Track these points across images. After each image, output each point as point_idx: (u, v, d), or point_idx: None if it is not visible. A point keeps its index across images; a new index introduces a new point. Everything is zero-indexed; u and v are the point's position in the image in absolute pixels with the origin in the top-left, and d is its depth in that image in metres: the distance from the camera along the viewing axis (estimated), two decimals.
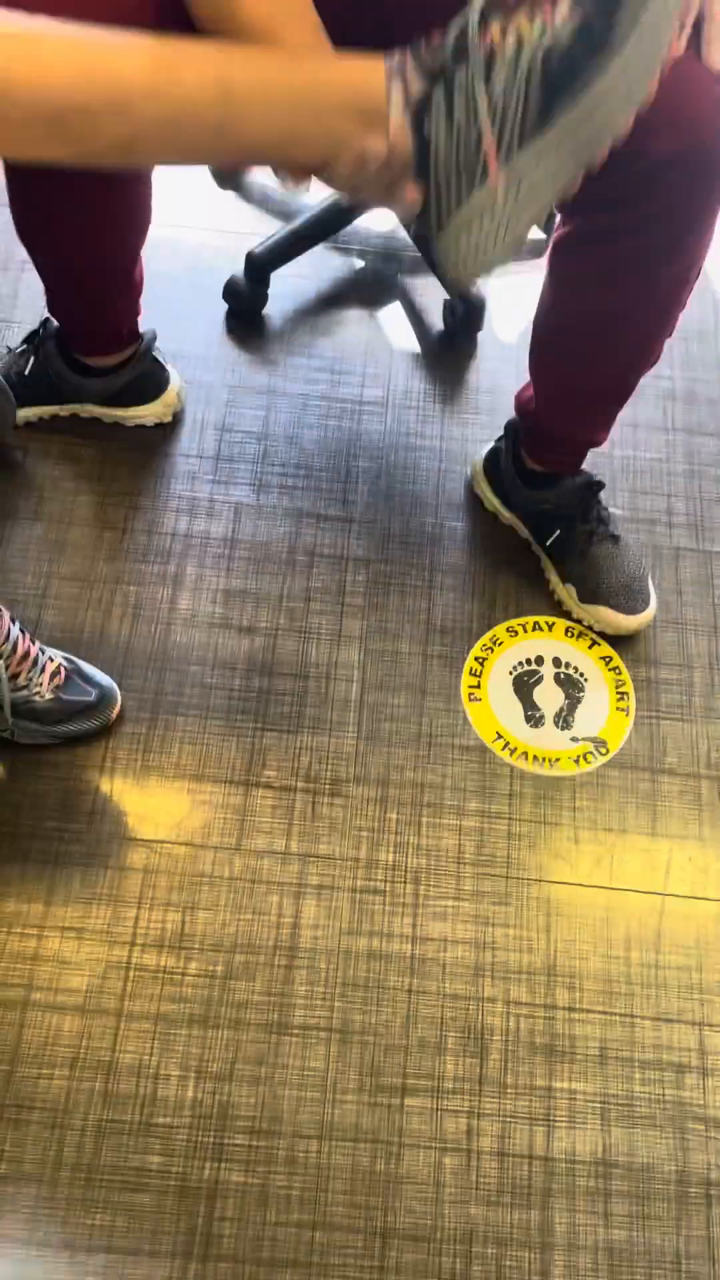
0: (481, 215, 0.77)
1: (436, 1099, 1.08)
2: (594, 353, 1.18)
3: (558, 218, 1.13)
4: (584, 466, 1.36)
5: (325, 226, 1.59)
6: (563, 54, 0.71)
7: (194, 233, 1.63)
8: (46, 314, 1.36)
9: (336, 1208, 1.02)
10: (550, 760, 1.27)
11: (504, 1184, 1.04)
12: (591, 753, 1.27)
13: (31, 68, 0.68)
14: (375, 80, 0.73)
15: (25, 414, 1.40)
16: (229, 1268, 0.99)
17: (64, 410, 1.42)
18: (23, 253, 1.53)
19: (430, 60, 0.73)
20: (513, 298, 1.61)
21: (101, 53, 0.70)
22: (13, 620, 1.15)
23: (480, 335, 1.57)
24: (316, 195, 1.59)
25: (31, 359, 1.36)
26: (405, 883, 1.18)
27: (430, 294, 1.61)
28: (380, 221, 1.67)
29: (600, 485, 1.35)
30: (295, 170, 0.77)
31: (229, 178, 1.70)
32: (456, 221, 0.78)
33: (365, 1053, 1.09)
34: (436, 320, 1.59)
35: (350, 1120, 1.06)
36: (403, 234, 1.65)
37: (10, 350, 1.39)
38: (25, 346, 1.37)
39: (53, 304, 1.30)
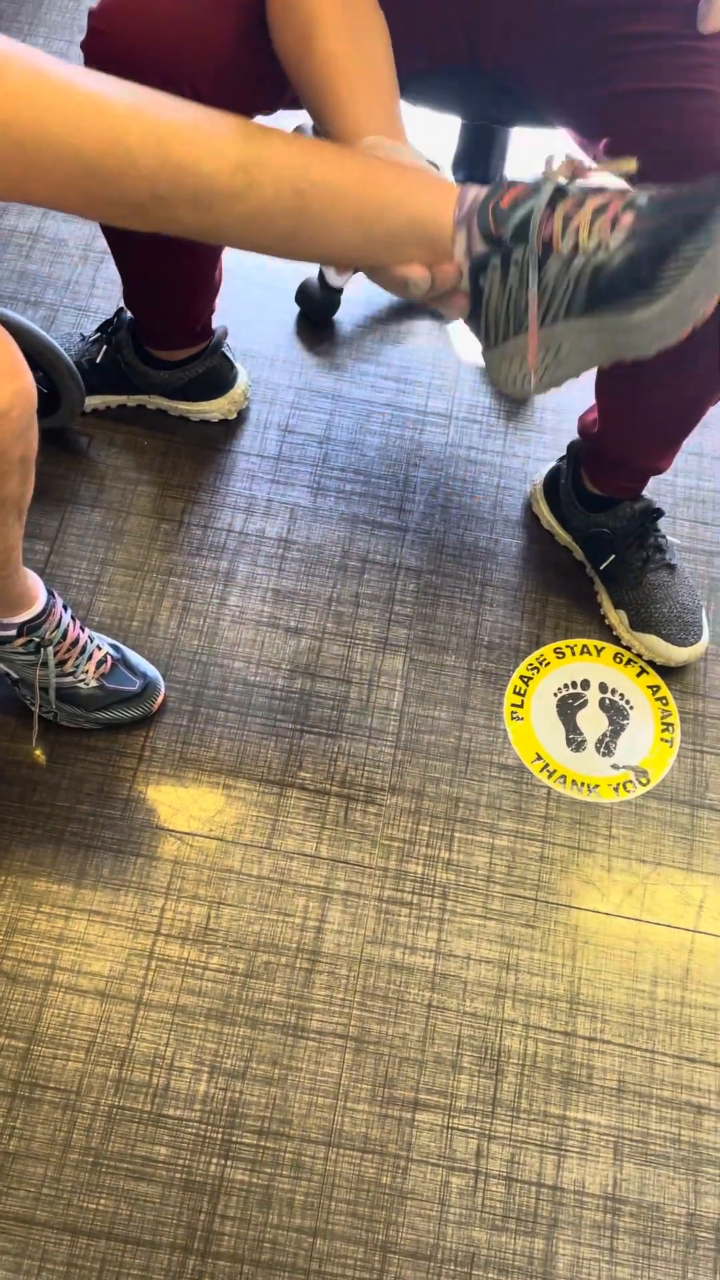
0: (523, 358, 0.83)
1: (448, 1117, 1.07)
2: (663, 380, 1.17)
3: None
4: (645, 493, 1.35)
5: None
6: (610, 276, 0.76)
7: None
8: (121, 304, 1.38)
9: (339, 1216, 1.02)
10: (589, 786, 1.25)
11: (510, 1209, 1.03)
12: (632, 782, 1.26)
13: (120, 159, 0.71)
14: (443, 220, 0.79)
15: (93, 401, 1.42)
16: (227, 1266, 0.99)
17: (131, 400, 1.44)
18: (102, 243, 1.56)
19: (494, 227, 0.78)
20: None
21: (188, 149, 0.73)
22: (64, 607, 1.16)
23: None
24: None
25: (104, 348, 1.37)
26: (433, 897, 1.18)
27: None
28: None
29: (659, 513, 1.34)
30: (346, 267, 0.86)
31: None
32: (499, 352, 0.84)
33: (380, 1063, 1.09)
34: None
35: (360, 1130, 1.05)
36: None
37: (84, 338, 1.41)
38: (98, 335, 1.39)
39: (130, 299, 1.32)
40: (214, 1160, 1.03)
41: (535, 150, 1.65)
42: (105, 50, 0.98)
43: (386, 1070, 1.08)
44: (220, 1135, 1.04)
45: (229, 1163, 1.03)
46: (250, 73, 1.00)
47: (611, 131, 1.03)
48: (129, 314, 1.36)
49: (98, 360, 1.38)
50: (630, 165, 0.79)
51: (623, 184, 0.79)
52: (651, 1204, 1.04)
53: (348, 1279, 0.99)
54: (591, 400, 1.31)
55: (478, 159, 1.53)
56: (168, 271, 1.26)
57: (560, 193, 0.77)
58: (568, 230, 0.76)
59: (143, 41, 0.96)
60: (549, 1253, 1.01)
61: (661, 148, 0.99)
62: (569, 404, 1.52)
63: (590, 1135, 1.07)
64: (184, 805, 1.21)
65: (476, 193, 0.79)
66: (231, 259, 1.30)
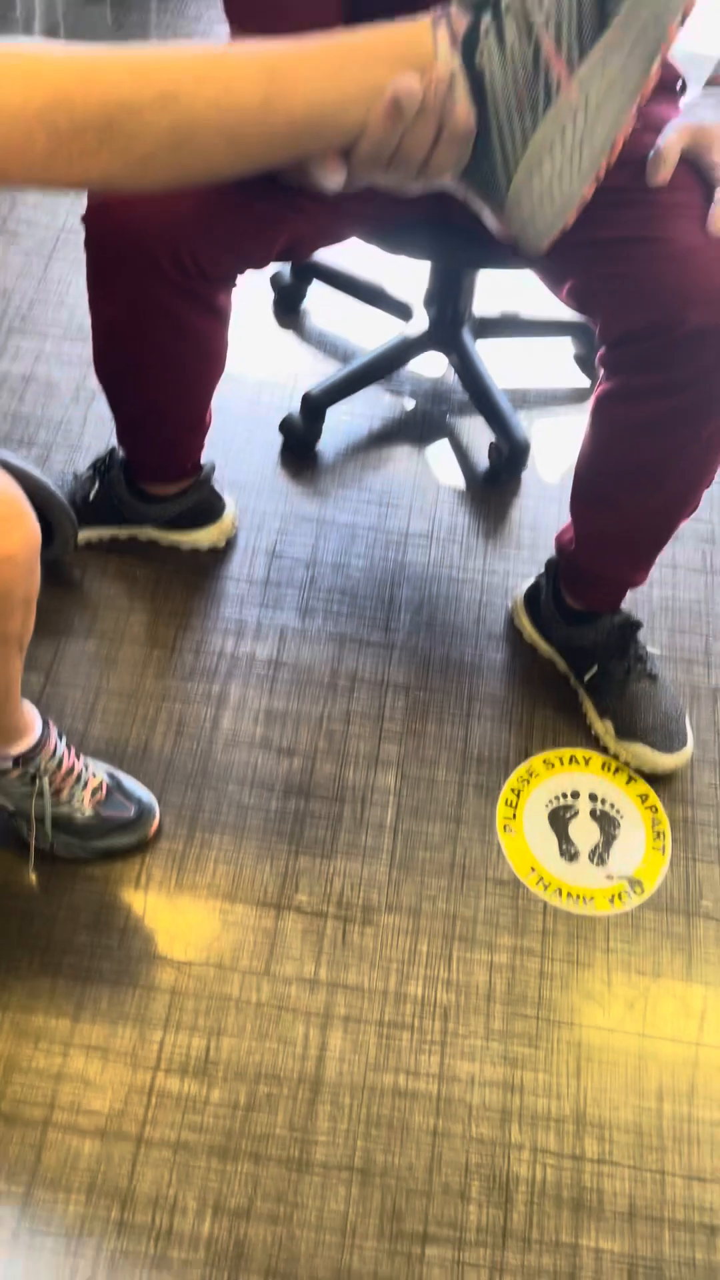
0: (553, 144, 0.73)
1: (458, 1250, 1.04)
2: (634, 500, 1.23)
3: (601, 373, 1.19)
4: (623, 605, 1.39)
5: (379, 369, 1.67)
6: None
7: (255, 372, 1.72)
8: (113, 443, 1.44)
9: None
10: (584, 898, 1.26)
11: None
12: (626, 892, 1.27)
13: (83, 76, 0.69)
14: (421, 31, 0.72)
15: (86, 535, 1.47)
16: None
17: (123, 532, 1.49)
18: (93, 383, 1.64)
19: None
20: (556, 440, 1.68)
21: (154, 53, 0.71)
22: (59, 737, 1.18)
23: (524, 475, 1.63)
24: (372, 340, 1.68)
25: (96, 485, 1.43)
26: (434, 1018, 1.17)
27: (476, 434, 1.68)
28: (430, 368, 1.75)
29: (638, 624, 1.38)
30: (334, 155, 0.75)
31: (289, 312, 1.81)
32: (526, 161, 0.73)
33: (387, 1196, 1.06)
34: (482, 459, 1.65)
35: (369, 1268, 1.03)
36: (451, 379, 1.73)
37: (77, 476, 1.46)
38: (91, 473, 1.45)
39: (123, 439, 1.38)
40: None
41: (502, 289, 1.74)
42: (104, 225, 1.11)
43: (394, 1203, 1.06)
44: (226, 1277, 1.01)
45: None
46: (228, 241, 1.10)
47: (575, 275, 1.11)
48: (121, 452, 1.42)
49: (90, 497, 1.43)
50: None
51: None
52: None
53: None
54: (568, 518, 1.37)
55: (447, 297, 1.62)
56: (160, 412, 1.33)
57: None
58: None
59: (130, 224, 1.08)
60: None
61: (621, 289, 1.06)
62: (546, 522, 1.58)
63: (604, 1263, 1.04)
64: (181, 932, 1.21)
65: (443, 3, 0.74)
66: (217, 396, 1.37)
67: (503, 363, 1.71)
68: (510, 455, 1.58)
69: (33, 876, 1.21)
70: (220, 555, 1.51)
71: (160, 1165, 1.06)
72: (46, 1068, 1.11)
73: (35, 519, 0.89)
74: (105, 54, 0.70)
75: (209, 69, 0.72)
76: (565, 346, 1.79)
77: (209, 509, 1.47)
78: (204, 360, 1.28)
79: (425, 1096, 1.12)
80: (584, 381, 1.76)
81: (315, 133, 0.74)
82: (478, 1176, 1.08)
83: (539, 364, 1.78)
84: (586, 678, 1.38)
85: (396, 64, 0.72)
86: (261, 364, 1.74)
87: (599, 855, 1.29)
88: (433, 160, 0.74)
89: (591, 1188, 1.08)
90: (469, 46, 0.72)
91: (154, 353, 1.23)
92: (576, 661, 1.40)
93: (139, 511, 1.44)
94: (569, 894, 1.26)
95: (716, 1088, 1.14)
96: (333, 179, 0.76)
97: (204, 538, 1.49)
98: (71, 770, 1.19)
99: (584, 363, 1.77)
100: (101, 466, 1.44)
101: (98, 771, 1.24)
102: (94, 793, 1.22)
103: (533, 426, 1.67)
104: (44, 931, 1.19)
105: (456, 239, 1.29)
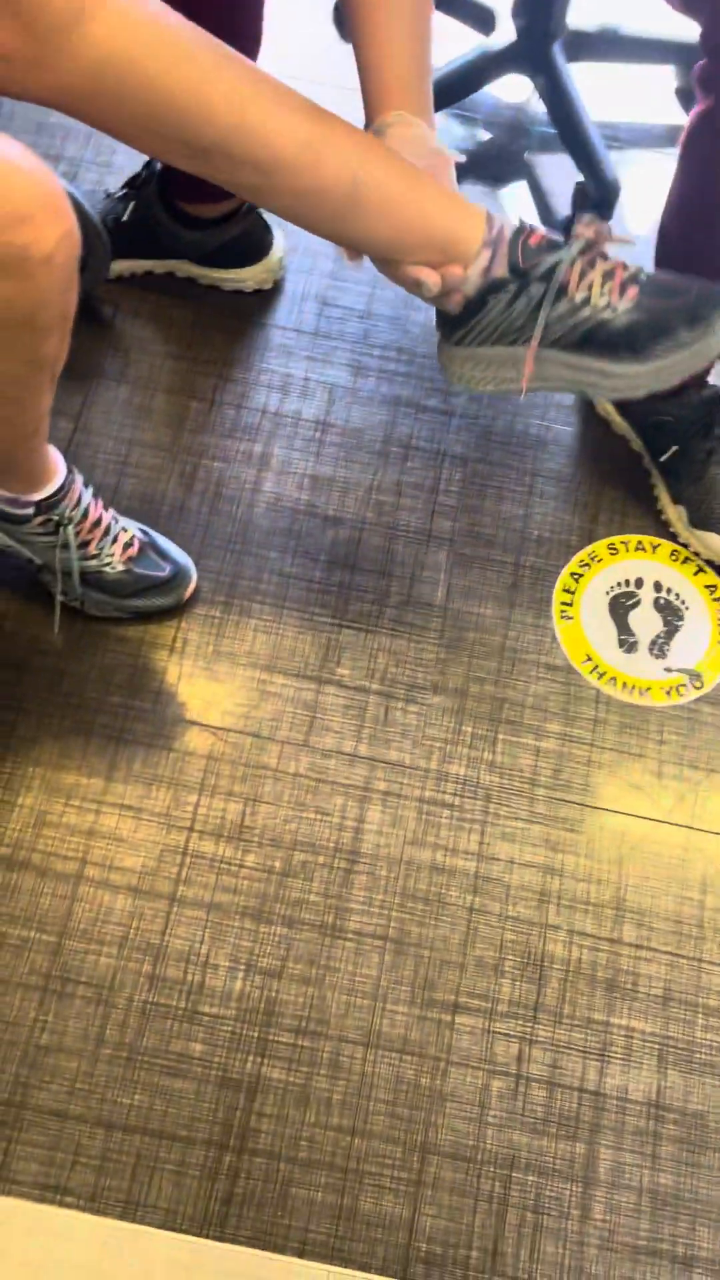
0: (490, 363, 0.93)
1: (489, 1020, 1.04)
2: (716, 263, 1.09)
3: (697, 96, 1.02)
4: (711, 379, 1.25)
5: (450, 92, 1.46)
6: (610, 333, 0.88)
7: (311, 88, 1.50)
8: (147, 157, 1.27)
9: (378, 1116, 1.00)
10: (640, 689, 1.20)
11: (551, 1114, 1.01)
12: (685, 685, 1.20)
13: (199, 104, 0.76)
14: (472, 238, 0.87)
15: (119, 267, 1.32)
16: (263, 1163, 0.98)
17: (160, 267, 1.33)
18: None
19: (520, 260, 0.87)
20: (647, 186, 1.48)
21: (264, 117, 0.78)
22: (85, 485, 1.09)
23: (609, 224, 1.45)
24: (446, 55, 1.46)
25: (131, 204, 1.26)
26: (475, 799, 1.13)
27: (559, 175, 1.48)
28: (512, 93, 1.53)
29: None
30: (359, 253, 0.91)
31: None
32: (471, 351, 0.93)
33: (420, 966, 1.06)
34: (563, 203, 1.47)
35: (399, 1031, 1.03)
36: (535, 107, 1.52)
37: (109, 195, 1.30)
38: (125, 191, 1.28)
39: None
40: (250, 1058, 1.01)
41: None
42: None
43: (426, 973, 1.05)
44: (257, 1033, 1.02)
45: (266, 1061, 1.01)
46: None
47: None
48: (158, 166, 1.25)
49: (124, 218, 1.27)
50: (629, 241, 0.92)
51: (627, 254, 0.91)
52: (696, 1112, 1.02)
53: (386, 1178, 0.98)
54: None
55: (539, 3, 1.39)
56: None
57: (584, 251, 0.89)
58: (582, 282, 0.88)
59: None
60: (590, 1157, 1.00)
61: None
62: None
63: (634, 1042, 1.04)
64: (218, 699, 1.15)
65: (503, 222, 0.88)
66: None
67: (595, 91, 1.49)
68: (598, 198, 1.40)
69: (59, 634, 1.15)
70: (265, 299, 1.36)
71: (193, 924, 1.05)
72: (79, 824, 1.08)
73: (76, 219, 0.76)
74: (222, 83, 0.77)
75: (306, 164, 0.81)
76: (666, 78, 1.56)
77: (256, 244, 1.31)
78: (235, 24, 1.09)
79: (463, 874, 1.10)
80: (683, 118, 1.54)
81: (358, 245, 0.90)
82: (512, 953, 1.07)
83: (635, 96, 1.55)
84: (662, 458, 1.27)
85: (441, 248, 0.87)
86: (321, 82, 1.51)
87: (659, 647, 1.22)
88: (422, 299, 0.91)
89: (627, 971, 1.07)
90: (491, 288, 0.88)
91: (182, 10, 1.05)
92: (653, 439, 1.28)
93: (178, 239, 1.28)
94: (624, 684, 1.20)
95: None
96: (352, 263, 0.93)
97: (249, 277, 1.33)
98: (99, 522, 1.10)
99: (686, 96, 1.54)
100: (136, 183, 1.27)
101: (129, 527, 1.15)
102: (125, 548, 1.13)
103: (622, 170, 1.47)
104: (75, 691, 1.14)
105: None
